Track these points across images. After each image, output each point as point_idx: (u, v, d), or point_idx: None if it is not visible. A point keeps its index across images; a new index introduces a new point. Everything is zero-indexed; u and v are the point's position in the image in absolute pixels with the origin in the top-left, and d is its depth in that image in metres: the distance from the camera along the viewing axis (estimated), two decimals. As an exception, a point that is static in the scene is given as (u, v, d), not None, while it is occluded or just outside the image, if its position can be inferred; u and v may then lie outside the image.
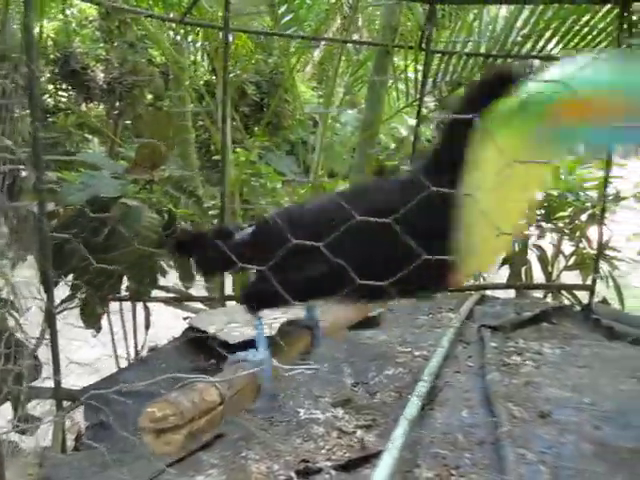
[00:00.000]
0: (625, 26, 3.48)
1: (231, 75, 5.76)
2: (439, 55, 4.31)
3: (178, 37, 4.90)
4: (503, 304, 3.61)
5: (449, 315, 3.42)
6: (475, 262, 1.19)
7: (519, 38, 4.15)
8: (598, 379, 2.44)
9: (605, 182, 3.58)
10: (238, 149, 6.14)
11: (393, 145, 18.22)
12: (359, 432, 2.23)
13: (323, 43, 6.76)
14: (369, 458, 2.02)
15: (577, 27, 3.79)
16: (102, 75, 8.95)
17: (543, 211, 4.45)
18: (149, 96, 9.59)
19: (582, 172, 4.35)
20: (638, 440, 1.91)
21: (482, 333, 3.00)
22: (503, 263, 4.17)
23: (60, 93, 9.32)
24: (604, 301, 3.82)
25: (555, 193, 4.35)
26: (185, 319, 3.22)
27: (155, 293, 3.35)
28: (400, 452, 1.94)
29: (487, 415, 2.18)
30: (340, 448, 2.12)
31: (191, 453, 1.98)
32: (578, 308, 3.61)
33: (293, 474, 1.86)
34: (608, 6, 3.57)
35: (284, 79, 8.23)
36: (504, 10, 4.49)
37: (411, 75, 4.75)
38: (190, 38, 5.61)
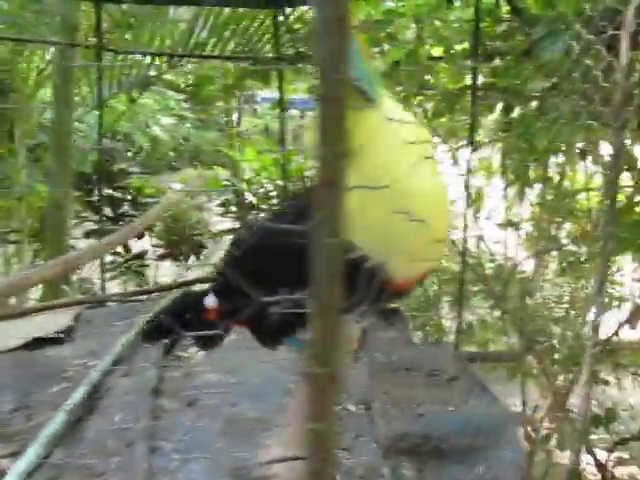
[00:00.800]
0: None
1: None
2: (123, 55, 4.23)
3: None
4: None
5: (145, 317, 3.40)
6: (407, 266, 1.11)
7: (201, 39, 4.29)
8: (257, 357, 2.62)
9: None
10: None
11: (147, 144, 17.66)
12: (4, 462, 2.08)
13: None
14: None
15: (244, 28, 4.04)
16: None
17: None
18: None
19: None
20: (264, 411, 2.10)
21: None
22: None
23: None
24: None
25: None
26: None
27: None
28: (31, 474, 1.85)
29: (138, 415, 2.20)
30: (-29, 485, 1.94)
31: None
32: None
33: None
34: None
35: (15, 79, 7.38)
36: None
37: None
38: None
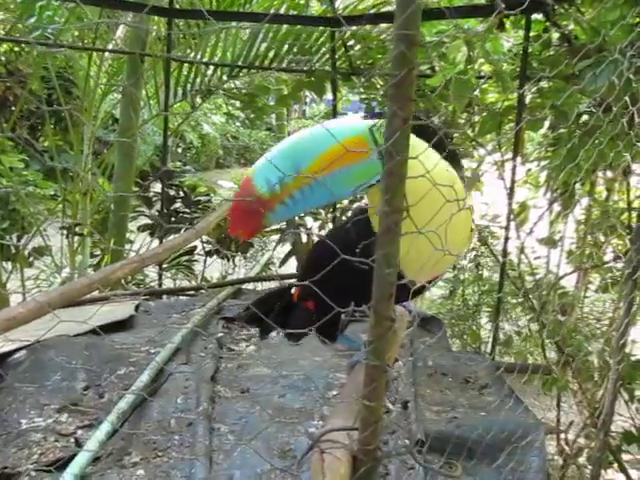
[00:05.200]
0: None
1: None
2: (189, 65, 4.53)
3: None
4: (255, 296, 3.97)
5: (199, 311, 3.67)
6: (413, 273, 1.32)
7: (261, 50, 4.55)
8: (301, 354, 2.85)
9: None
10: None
11: (199, 141, 18.07)
12: (79, 432, 2.36)
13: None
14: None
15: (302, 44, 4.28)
16: None
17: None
18: None
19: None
20: (305, 402, 2.32)
21: (220, 325, 3.29)
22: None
23: None
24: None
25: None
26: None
27: None
28: (103, 443, 2.12)
29: (198, 399, 2.45)
30: (54, 450, 2.22)
31: None
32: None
33: (-12, 482, 1.93)
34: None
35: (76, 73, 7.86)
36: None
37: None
38: None
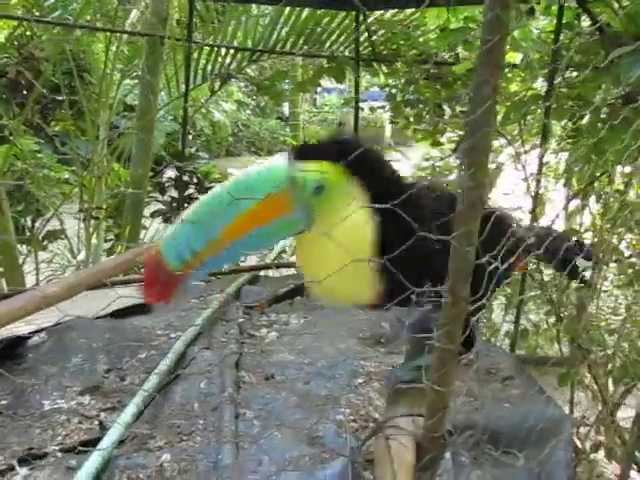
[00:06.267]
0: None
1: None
2: (208, 48, 4.48)
3: None
4: (270, 282, 3.95)
5: (217, 296, 3.65)
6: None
7: (282, 35, 4.49)
8: (325, 341, 2.82)
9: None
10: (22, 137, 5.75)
11: (210, 129, 18.02)
12: (102, 415, 2.34)
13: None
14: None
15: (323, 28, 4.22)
16: None
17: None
18: None
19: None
20: (331, 389, 2.29)
21: (240, 310, 3.26)
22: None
23: None
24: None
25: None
26: None
27: None
28: (129, 426, 2.10)
29: (223, 384, 2.43)
30: (78, 432, 2.21)
31: None
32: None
33: (15, 462, 1.91)
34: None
35: (88, 58, 7.81)
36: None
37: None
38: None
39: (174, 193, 6.93)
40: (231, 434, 2.02)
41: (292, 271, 4.59)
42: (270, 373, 2.47)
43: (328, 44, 4.32)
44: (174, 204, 6.61)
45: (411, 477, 0.80)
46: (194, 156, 7.64)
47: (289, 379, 2.42)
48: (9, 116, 6.28)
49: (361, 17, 3.98)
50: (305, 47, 4.42)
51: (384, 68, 4.32)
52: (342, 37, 4.27)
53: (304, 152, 1.41)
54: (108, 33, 4.96)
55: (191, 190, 7.60)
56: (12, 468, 1.91)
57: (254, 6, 4.57)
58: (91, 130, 5.12)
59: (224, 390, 2.28)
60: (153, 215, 6.68)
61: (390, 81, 4.31)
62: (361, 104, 4.79)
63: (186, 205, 6.77)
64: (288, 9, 4.30)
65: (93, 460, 1.87)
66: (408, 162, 5.65)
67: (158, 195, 6.97)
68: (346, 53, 4.45)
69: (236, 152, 18.02)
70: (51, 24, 4.61)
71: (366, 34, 4.21)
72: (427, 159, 5.36)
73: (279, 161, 1.39)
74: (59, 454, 2.00)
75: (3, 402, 2.38)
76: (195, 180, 7.48)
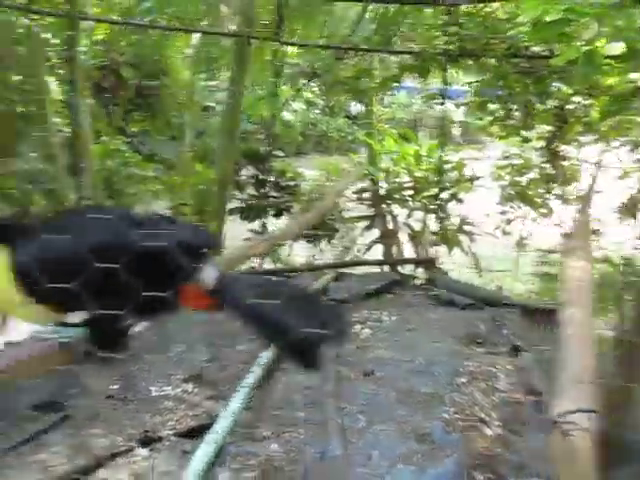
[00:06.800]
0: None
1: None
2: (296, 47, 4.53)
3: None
4: (355, 280, 3.95)
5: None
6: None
7: (366, 34, 4.48)
8: (420, 339, 2.80)
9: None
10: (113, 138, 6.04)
11: (281, 128, 18.29)
12: (206, 403, 2.41)
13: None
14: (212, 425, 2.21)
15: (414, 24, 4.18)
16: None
17: (411, 192, 4.94)
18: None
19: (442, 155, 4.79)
20: (432, 386, 2.26)
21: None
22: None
23: None
24: (445, 273, 4.29)
25: (420, 175, 4.81)
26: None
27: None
28: (238, 415, 2.16)
29: (323, 378, 2.45)
30: (186, 418, 2.29)
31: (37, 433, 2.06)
32: (420, 280, 4.03)
33: (134, 443, 2.00)
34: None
35: (164, 62, 8.12)
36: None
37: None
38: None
39: (251, 190, 7.07)
40: (337, 427, 2.04)
41: (375, 269, 4.60)
42: (369, 369, 2.47)
43: (415, 40, 4.28)
44: (252, 202, 6.75)
45: (593, 476, 0.77)
46: (271, 154, 7.78)
47: (388, 375, 2.41)
48: (99, 119, 6.59)
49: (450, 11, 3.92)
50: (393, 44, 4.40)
51: (471, 63, 4.23)
52: (429, 33, 4.21)
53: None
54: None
55: (267, 188, 7.72)
56: (131, 449, 1.99)
57: (339, 4, 4.59)
58: (167, 130, 5.30)
59: (324, 383, 2.29)
60: (232, 212, 6.84)
61: (473, 79, 4.22)
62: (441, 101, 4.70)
63: (265, 203, 6.91)
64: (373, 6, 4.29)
65: (207, 446, 1.93)
66: (487, 160, 5.51)
67: (237, 192, 7.14)
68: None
69: (305, 151, 18.16)
70: (143, 27, 4.79)
71: (454, 28, 4.14)
72: (506, 157, 5.21)
73: None
74: (173, 438, 2.08)
75: (115, 387, 2.49)
76: (272, 178, 7.60)
